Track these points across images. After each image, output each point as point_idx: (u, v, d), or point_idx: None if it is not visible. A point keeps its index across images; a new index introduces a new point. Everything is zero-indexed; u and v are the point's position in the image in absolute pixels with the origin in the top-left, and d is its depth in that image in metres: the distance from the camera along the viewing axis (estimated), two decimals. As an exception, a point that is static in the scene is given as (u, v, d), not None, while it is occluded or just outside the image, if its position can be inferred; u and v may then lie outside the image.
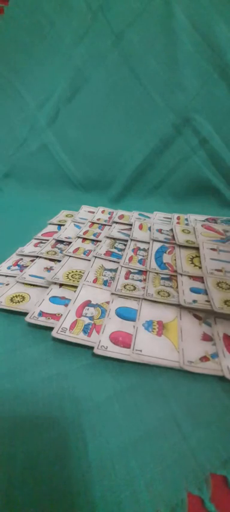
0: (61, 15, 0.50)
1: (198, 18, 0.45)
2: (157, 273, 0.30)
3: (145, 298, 0.26)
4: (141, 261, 0.32)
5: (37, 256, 0.33)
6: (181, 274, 0.29)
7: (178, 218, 0.44)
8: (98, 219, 0.44)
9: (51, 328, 0.22)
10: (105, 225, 0.42)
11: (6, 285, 0.28)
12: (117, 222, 0.42)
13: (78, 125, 0.55)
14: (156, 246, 0.35)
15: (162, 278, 0.29)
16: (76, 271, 0.30)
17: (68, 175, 0.58)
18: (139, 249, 0.35)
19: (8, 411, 0.18)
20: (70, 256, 0.33)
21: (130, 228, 0.40)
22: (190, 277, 0.29)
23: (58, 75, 0.53)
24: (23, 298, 0.27)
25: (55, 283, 0.28)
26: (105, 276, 0.30)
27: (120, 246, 0.36)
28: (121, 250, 0.35)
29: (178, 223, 0.42)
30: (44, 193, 0.57)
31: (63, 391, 0.19)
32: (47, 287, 0.28)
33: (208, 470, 0.15)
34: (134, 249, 0.35)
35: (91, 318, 0.24)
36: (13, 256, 0.34)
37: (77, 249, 0.34)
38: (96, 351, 0.21)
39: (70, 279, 0.29)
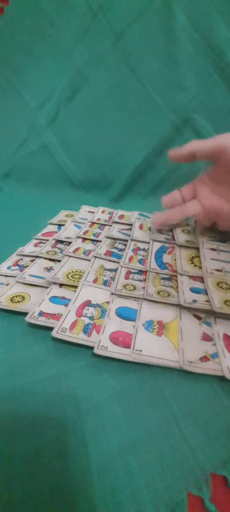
0: (61, 15, 0.50)
1: (198, 18, 0.45)
2: (157, 273, 0.30)
3: (145, 298, 0.26)
4: (141, 261, 0.32)
5: (37, 256, 0.33)
6: (181, 274, 0.29)
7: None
8: (98, 219, 0.44)
9: (51, 328, 0.22)
10: (105, 225, 0.42)
11: (6, 285, 0.28)
12: (117, 222, 0.42)
13: (78, 124, 0.55)
14: (156, 246, 0.35)
15: (162, 278, 0.29)
16: (76, 271, 0.30)
17: (68, 175, 0.57)
18: (139, 249, 0.35)
19: (8, 411, 0.18)
20: (70, 256, 0.33)
21: (130, 228, 0.40)
22: (190, 277, 0.29)
23: (58, 75, 0.53)
24: (23, 298, 0.27)
25: (55, 283, 0.28)
26: (105, 276, 0.30)
27: (120, 246, 0.36)
28: (121, 250, 0.35)
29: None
30: (44, 193, 0.57)
31: (63, 391, 0.19)
32: (47, 287, 0.28)
33: (208, 470, 0.15)
34: (134, 249, 0.35)
35: (91, 318, 0.24)
36: (13, 256, 0.34)
37: (77, 249, 0.34)
38: (96, 351, 0.21)
39: (70, 279, 0.29)
